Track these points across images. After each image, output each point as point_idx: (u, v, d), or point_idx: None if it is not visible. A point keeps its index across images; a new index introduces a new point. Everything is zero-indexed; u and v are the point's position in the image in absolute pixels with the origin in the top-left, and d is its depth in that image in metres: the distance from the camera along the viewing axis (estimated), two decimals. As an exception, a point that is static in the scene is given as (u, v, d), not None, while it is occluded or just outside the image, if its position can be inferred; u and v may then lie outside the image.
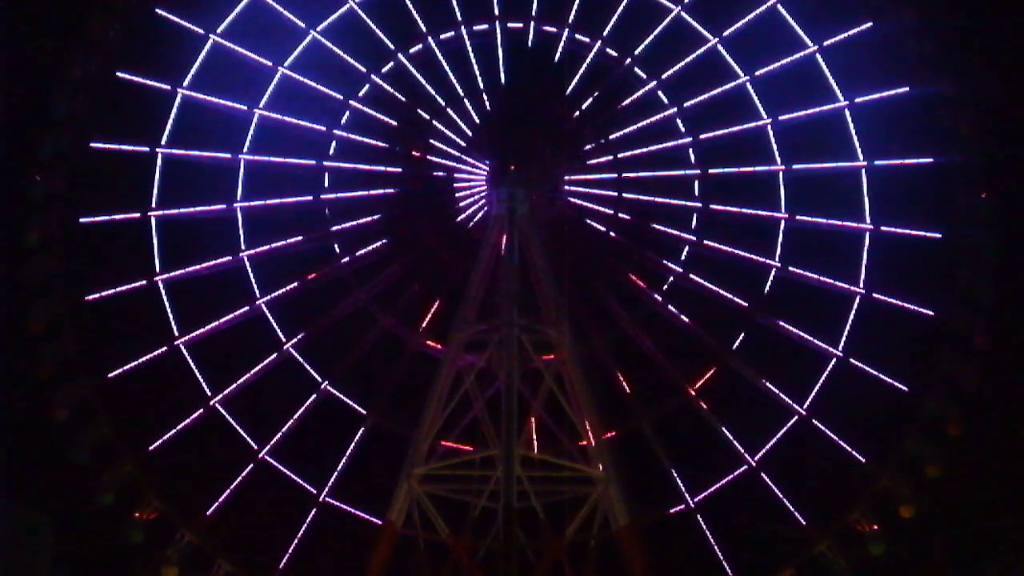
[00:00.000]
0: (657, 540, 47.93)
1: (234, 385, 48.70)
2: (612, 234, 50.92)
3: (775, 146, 50.48)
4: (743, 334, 49.80)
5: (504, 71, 51.63)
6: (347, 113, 51.02)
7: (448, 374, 46.45)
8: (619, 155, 51.17)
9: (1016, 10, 56.20)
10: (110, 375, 47.55)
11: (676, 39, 51.62)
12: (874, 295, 49.06)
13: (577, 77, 51.58)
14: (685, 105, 51.16)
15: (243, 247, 49.65)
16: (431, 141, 51.02)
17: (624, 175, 51.09)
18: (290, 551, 47.61)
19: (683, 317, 50.26)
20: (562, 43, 51.78)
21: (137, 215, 49.19)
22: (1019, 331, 51.18)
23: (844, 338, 48.95)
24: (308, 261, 50.42)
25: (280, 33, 51.06)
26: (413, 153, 50.67)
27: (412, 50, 51.73)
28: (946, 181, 49.19)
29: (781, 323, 49.57)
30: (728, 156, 51.13)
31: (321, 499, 48.32)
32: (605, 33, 51.74)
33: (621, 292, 50.86)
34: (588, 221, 51.12)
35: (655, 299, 50.46)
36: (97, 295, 48.00)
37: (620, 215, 50.93)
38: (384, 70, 51.50)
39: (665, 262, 50.63)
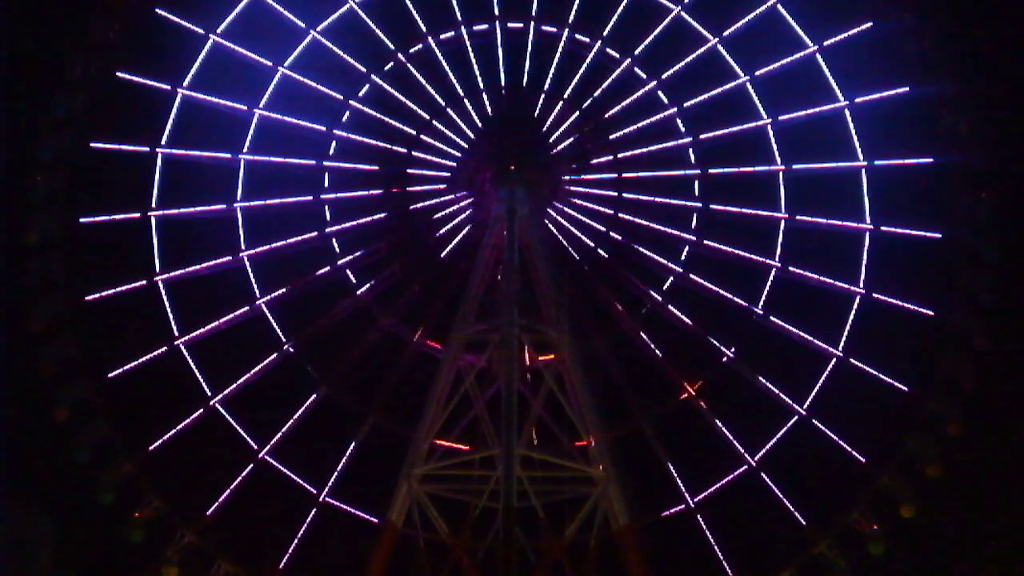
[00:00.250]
0: (657, 540, 47.94)
1: (234, 385, 48.69)
2: (612, 234, 50.90)
3: (775, 146, 50.48)
4: (744, 337, 49.83)
5: (504, 71, 51.64)
6: (347, 113, 51.03)
7: (448, 374, 46.50)
8: (619, 155, 51.18)
9: (1016, 10, 56.25)
10: (110, 375, 47.52)
11: (676, 39, 51.62)
12: (874, 295, 49.04)
13: (577, 77, 51.60)
14: (685, 105, 51.14)
15: (243, 247, 49.64)
16: (425, 141, 51.05)
17: (624, 175, 51.09)
18: (290, 551, 47.58)
19: (683, 317, 50.25)
20: (562, 43, 51.78)
21: (137, 215, 49.17)
22: (1019, 331, 51.19)
23: (844, 338, 48.92)
24: (308, 261, 50.43)
25: (280, 33, 51.06)
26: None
27: (412, 50, 51.74)
28: (946, 181, 49.17)
29: (781, 323, 49.55)
30: (728, 156, 51.14)
31: (321, 499, 48.29)
32: (605, 33, 51.73)
33: (621, 292, 50.85)
34: (588, 221, 51.12)
35: (655, 299, 50.45)
36: (97, 295, 47.97)
37: (620, 215, 50.92)
38: (384, 70, 51.50)
39: (665, 262, 50.62)
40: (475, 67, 51.58)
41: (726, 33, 51.13)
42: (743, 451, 48.68)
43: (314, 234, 50.35)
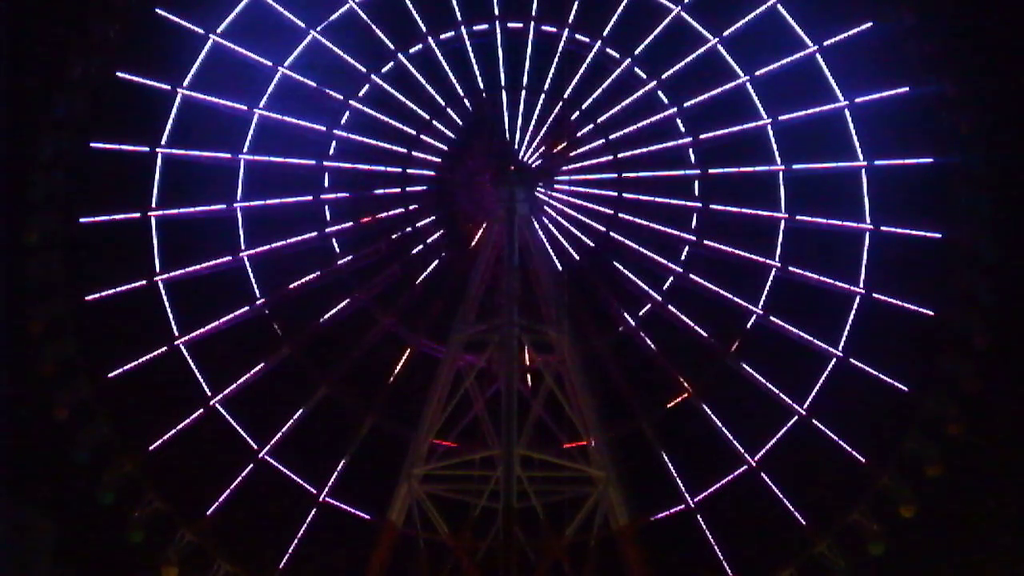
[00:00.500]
0: (657, 540, 47.94)
1: (234, 385, 48.69)
2: (612, 234, 50.92)
3: (775, 146, 50.47)
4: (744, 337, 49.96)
5: (504, 71, 51.65)
6: (347, 113, 51.04)
7: (448, 374, 46.52)
8: (619, 155, 51.18)
9: (1016, 10, 56.25)
10: (110, 375, 47.52)
11: (676, 39, 51.63)
12: (874, 295, 49.04)
13: (577, 77, 51.61)
14: (685, 105, 51.15)
15: (243, 247, 49.65)
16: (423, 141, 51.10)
17: (624, 175, 51.10)
18: (290, 551, 47.59)
19: (683, 317, 50.25)
20: (562, 43, 51.79)
21: (137, 215, 49.16)
22: (1019, 331, 51.18)
23: (844, 338, 48.93)
24: (308, 261, 50.43)
25: (280, 33, 51.05)
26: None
27: (412, 50, 51.74)
28: (946, 181, 49.17)
29: (781, 323, 49.55)
30: (728, 156, 51.14)
31: (321, 499, 48.30)
32: (605, 33, 51.73)
33: (621, 292, 50.85)
34: (588, 221, 51.14)
35: (655, 299, 50.46)
36: (97, 295, 47.97)
37: (620, 215, 50.92)
38: (384, 70, 51.52)
39: (665, 262, 50.62)
40: (475, 67, 51.59)
41: (726, 33, 51.13)
42: (743, 451, 48.68)
43: (314, 234, 50.36)
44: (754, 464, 48.53)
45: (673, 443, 49.40)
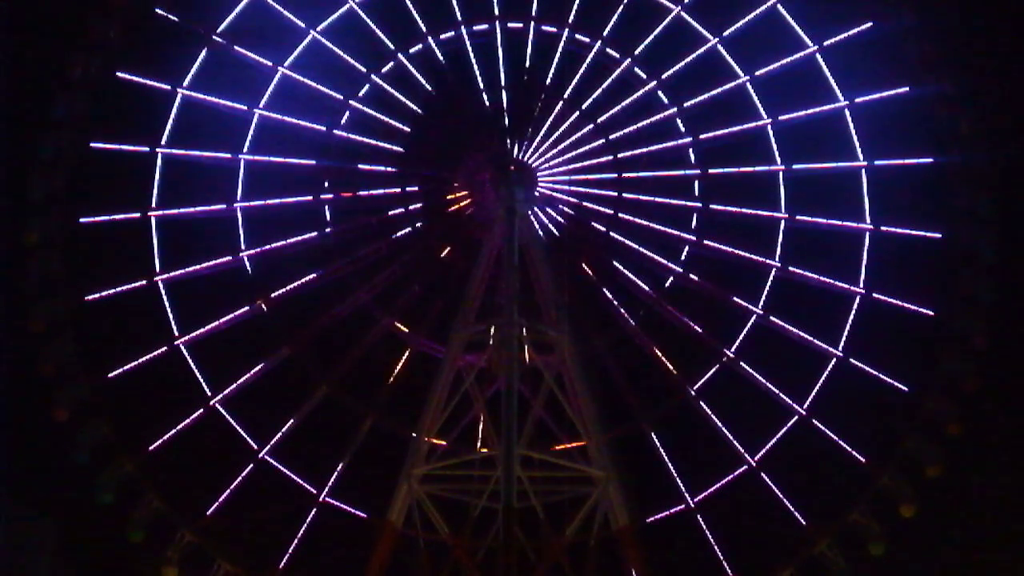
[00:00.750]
0: (657, 540, 47.95)
1: (234, 385, 48.68)
2: (612, 234, 50.91)
3: (775, 146, 50.50)
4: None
5: (504, 71, 51.66)
6: (347, 113, 51.04)
7: (448, 374, 46.51)
8: (619, 155, 51.19)
9: (1016, 10, 56.27)
10: (110, 375, 47.50)
11: (676, 39, 51.66)
12: (874, 295, 49.05)
13: (577, 77, 51.61)
14: (685, 105, 51.17)
15: (243, 247, 49.65)
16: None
17: (624, 175, 51.09)
18: (290, 551, 47.57)
19: (683, 317, 50.25)
20: (562, 43, 51.79)
21: (137, 215, 49.15)
22: (1019, 331, 51.18)
23: (844, 338, 48.93)
24: (308, 261, 50.43)
25: (280, 33, 51.06)
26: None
27: (412, 50, 51.75)
28: (946, 181, 49.18)
29: (781, 323, 49.56)
30: (728, 156, 51.17)
31: (321, 499, 48.28)
32: (605, 33, 51.76)
33: (621, 292, 50.86)
34: (588, 221, 51.14)
35: (655, 299, 50.45)
36: (97, 295, 47.95)
37: (620, 215, 50.92)
38: (384, 70, 51.52)
39: (665, 262, 50.61)
40: (475, 67, 51.60)
41: (726, 33, 51.15)
42: (743, 451, 48.67)
43: (314, 234, 50.36)
44: (754, 464, 48.52)
45: (673, 443, 49.41)
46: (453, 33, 51.81)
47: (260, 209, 50.10)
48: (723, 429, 49.14)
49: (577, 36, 51.88)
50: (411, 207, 51.00)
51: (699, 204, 50.80)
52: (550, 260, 49.70)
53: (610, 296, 50.77)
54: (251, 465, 47.97)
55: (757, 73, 50.83)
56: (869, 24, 50.09)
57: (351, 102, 51.02)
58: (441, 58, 51.70)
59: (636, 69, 51.66)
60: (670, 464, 49.06)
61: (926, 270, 49.17)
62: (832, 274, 49.63)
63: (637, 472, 48.02)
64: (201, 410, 48.16)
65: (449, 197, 51.07)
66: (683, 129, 51.15)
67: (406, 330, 50.35)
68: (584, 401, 46.51)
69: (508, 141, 50.98)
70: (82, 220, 48.48)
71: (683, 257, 50.61)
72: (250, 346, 49.42)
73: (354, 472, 48.91)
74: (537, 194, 50.80)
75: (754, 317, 49.75)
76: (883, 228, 49.48)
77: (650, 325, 50.42)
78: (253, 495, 48.03)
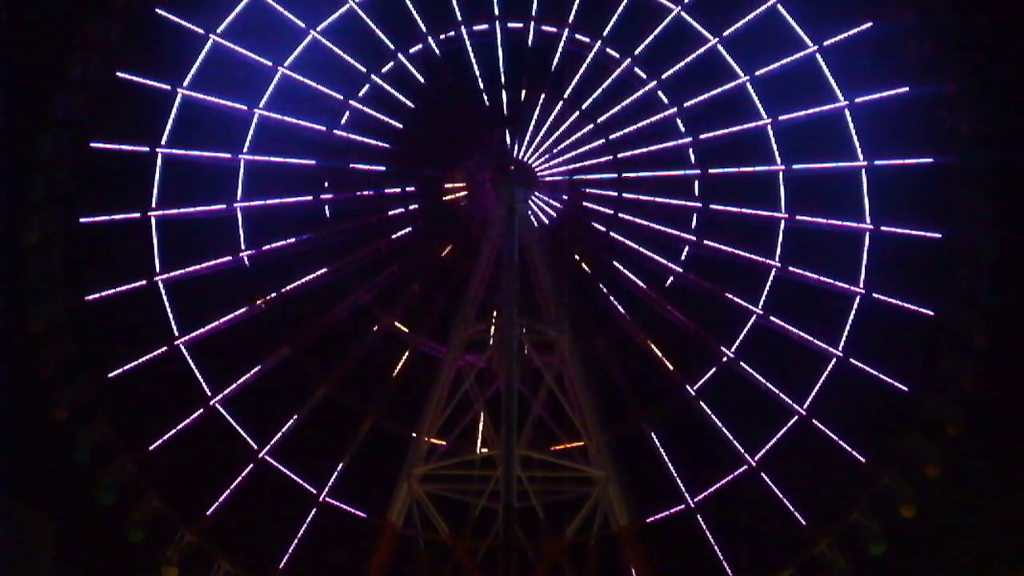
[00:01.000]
0: (657, 540, 47.93)
1: (234, 385, 48.68)
2: (612, 234, 50.91)
3: (775, 146, 50.47)
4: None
5: (504, 71, 51.65)
6: (347, 113, 51.04)
7: (448, 374, 46.49)
8: (619, 155, 51.19)
9: (1016, 10, 56.24)
10: (110, 375, 47.49)
11: (676, 39, 51.62)
12: (874, 295, 49.04)
13: (577, 77, 51.60)
14: (685, 105, 51.15)
15: (243, 247, 49.65)
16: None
17: (624, 175, 51.09)
18: (290, 551, 47.58)
19: (683, 317, 50.24)
20: (562, 43, 51.79)
21: (137, 215, 49.14)
22: (1019, 331, 51.17)
23: (844, 338, 48.92)
24: (308, 261, 50.43)
25: (280, 33, 51.05)
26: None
27: (412, 50, 51.75)
28: (946, 181, 49.17)
29: (781, 323, 49.55)
30: (728, 156, 51.13)
31: (321, 499, 48.28)
32: (605, 33, 51.74)
33: (621, 292, 50.84)
34: (588, 221, 51.14)
35: (655, 299, 50.44)
36: (97, 295, 47.94)
37: (620, 215, 50.91)
38: (384, 70, 51.53)
39: (665, 262, 50.60)
40: (475, 67, 51.59)
41: (726, 33, 51.13)
42: (743, 451, 48.66)
43: (314, 234, 50.35)
44: (754, 464, 48.52)
45: (673, 443, 49.39)
46: (453, 33, 51.81)
47: (260, 209, 50.09)
48: (723, 429, 49.14)
49: (577, 36, 51.85)
50: (411, 207, 51.02)
51: (699, 204, 50.80)
52: (550, 260, 49.67)
53: (610, 296, 50.76)
54: (251, 465, 47.97)
55: (757, 73, 50.81)
56: (869, 24, 50.07)
57: (351, 102, 51.03)
58: (441, 58, 51.67)
59: (636, 69, 51.64)
60: (670, 464, 49.05)
61: (926, 270, 49.16)
62: (832, 274, 49.62)
63: (637, 472, 48.02)
64: (201, 410, 48.16)
65: (448, 197, 51.08)
66: (683, 129, 51.14)
67: (406, 330, 50.36)
68: (584, 401, 46.50)
69: (508, 141, 51.01)
70: (82, 220, 48.46)
71: (683, 257, 50.62)
72: (250, 346, 49.43)
73: (354, 472, 48.92)
74: (536, 193, 50.83)
75: (754, 317, 49.75)
76: (883, 228, 49.46)
77: (650, 325, 50.43)
78: (253, 495, 48.03)
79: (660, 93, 51.41)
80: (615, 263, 50.91)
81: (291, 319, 49.85)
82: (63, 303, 47.46)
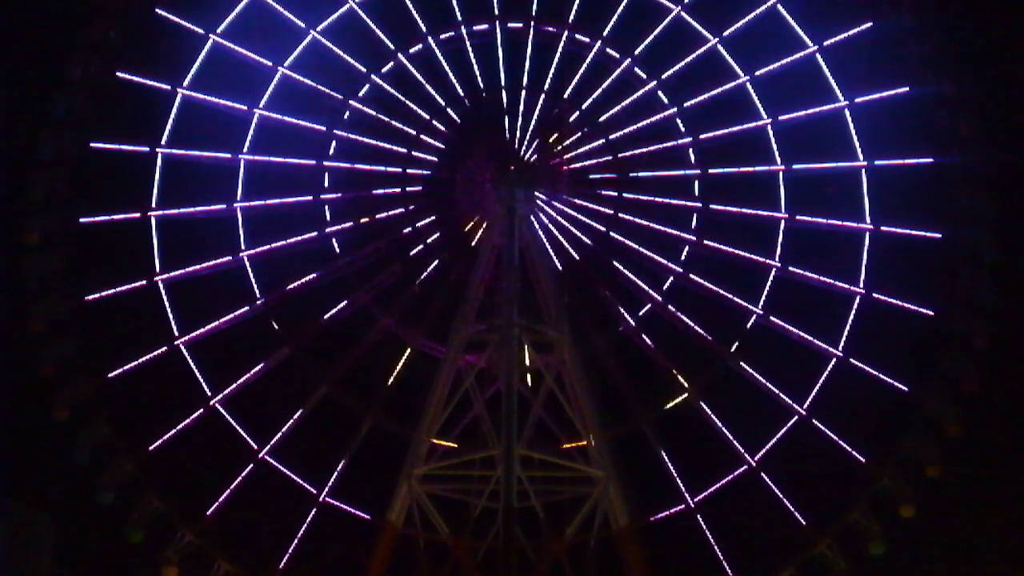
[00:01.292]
0: (657, 540, 47.94)
1: (234, 385, 48.69)
2: (612, 234, 50.92)
3: (775, 146, 50.49)
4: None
5: (504, 71, 51.67)
6: (347, 113, 51.05)
7: (448, 374, 46.50)
8: (619, 155, 51.20)
9: (1016, 10, 56.27)
10: (110, 375, 47.52)
11: (676, 39, 51.66)
12: (874, 295, 49.04)
13: (577, 77, 51.62)
14: (685, 105, 51.18)
15: (243, 247, 49.66)
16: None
17: (624, 175, 51.09)
18: (290, 551, 47.60)
19: (683, 317, 50.25)
20: (562, 43, 51.80)
21: (137, 215, 49.17)
22: (1019, 331, 51.17)
23: (844, 338, 48.91)
24: (308, 261, 50.45)
25: (280, 33, 51.07)
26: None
27: (412, 50, 51.76)
28: (946, 181, 49.18)
29: (781, 323, 49.56)
30: (728, 156, 51.16)
31: (321, 499, 48.30)
32: (605, 33, 51.77)
33: (621, 292, 50.86)
34: (588, 221, 51.14)
35: (655, 299, 50.45)
36: (97, 295, 47.98)
37: (620, 215, 50.92)
38: (384, 70, 51.54)
39: (665, 262, 50.61)
40: (475, 67, 51.62)
41: (726, 33, 51.15)
42: (743, 451, 48.67)
43: (314, 234, 50.37)
44: (754, 464, 48.52)
45: (673, 443, 49.41)
46: (453, 33, 51.82)
47: (260, 209, 50.12)
48: (723, 429, 49.15)
49: (577, 36, 51.89)
50: (411, 207, 51.02)
51: (699, 204, 50.80)
52: (550, 259, 49.73)
53: (610, 296, 50.76)
54: (251, 465, 47.99)
55: (757, 73, 50.83)
56: (869, 24, 50.08)
57: (351, 102, 51.04)
58: (441, 58, 51.68)
59: (636, 69, 51.67)
60: (670, 464, 49.07)
61: (926, 270, 49.16)
62: (832, 274, 49.62)
63: (637, 472, 48.04)
64: (201, 410, 48.19)
65: (448, 197, 51.10)
66: (683, 129, 51.18)
67: (406, 330, 50.36)
68: (584, 401, 46.50)
69: (508, 141, 51.02)
70: (82, 220, 48.50)
71: (683, 257, 50.61)
72: (250, 346, 49.45)
73: (354, 472, 48.93)
74: (537, 195, 50.84)
75: (754, 317, 49.75)
76: (883, 228, 49.46)
77: (650, 325, 50.44)
78: (253, 495, 48.05)
79: (660, 93, 51.44)
80: (615, 263, 50.90)
81: (291, 319, 49.85)
82: (63, 303, 47.48)
